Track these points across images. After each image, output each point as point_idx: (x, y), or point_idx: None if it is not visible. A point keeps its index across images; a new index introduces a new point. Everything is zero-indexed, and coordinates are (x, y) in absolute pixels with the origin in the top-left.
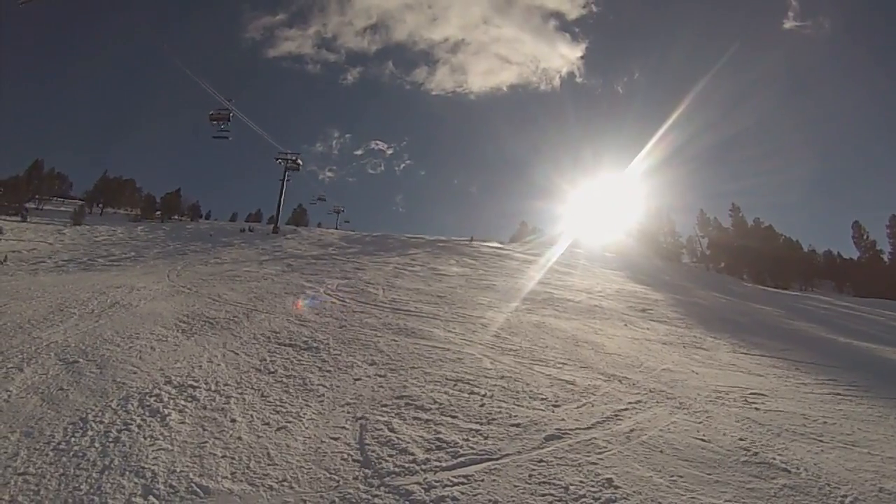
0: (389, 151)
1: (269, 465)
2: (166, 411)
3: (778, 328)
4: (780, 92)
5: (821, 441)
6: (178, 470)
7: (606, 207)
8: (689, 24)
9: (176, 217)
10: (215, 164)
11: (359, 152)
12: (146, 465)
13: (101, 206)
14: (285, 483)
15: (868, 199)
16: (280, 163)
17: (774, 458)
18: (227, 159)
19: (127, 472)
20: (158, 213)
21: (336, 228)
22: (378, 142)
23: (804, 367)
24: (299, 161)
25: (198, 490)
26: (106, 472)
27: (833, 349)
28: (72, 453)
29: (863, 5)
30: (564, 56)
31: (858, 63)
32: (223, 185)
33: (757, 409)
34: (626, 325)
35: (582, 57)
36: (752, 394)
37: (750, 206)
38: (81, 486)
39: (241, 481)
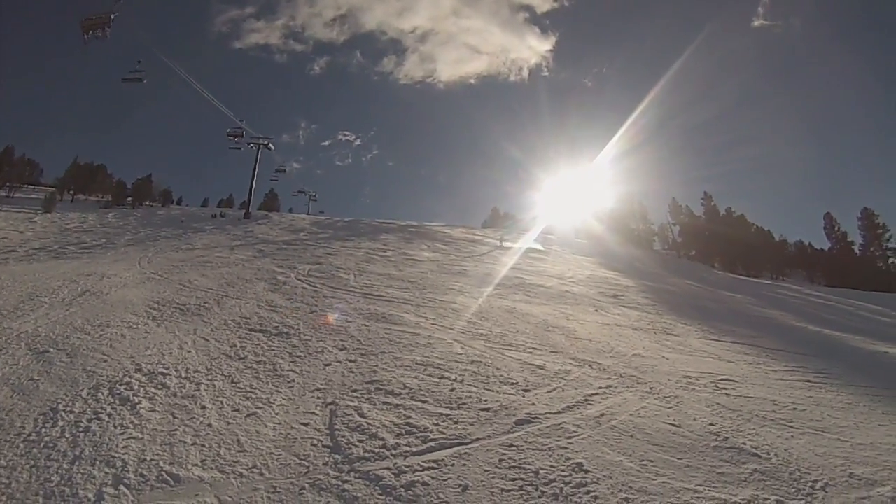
0: (357, 142)
1: (239, 451)
2: (136, 399)
3: (749, 316)
4: (750, 88)
5: (791, 427)
6: (148, 458)
7: (578, 195)
8: (658, 22)
9: (147, 203)
10: (187, 150)
11: (326, 143)
12: (116, 455)
13: (72, 192)
14: (255, 470)
15: (840, 192)
16: (253, 147)
17: (745, 444)
18: (199, 145)
19: (97, 462)
20: (130, 199)
21: (308, 214)
22: (345, 132)
23: (774, 354)
24: (271, 146)
25: (168, 479)
26: (77, 463)
27: (803, 337)
28: (42, 444)
29: (833, 7)
30: (533, 48)
31: (830, 60)
32: (195, 170)
33: (727, 394)
34: (596, 310)
35: (551, 50)
36: (722, 380)
37: (722, 196)
38: (52, 478)
39: (212, 469)
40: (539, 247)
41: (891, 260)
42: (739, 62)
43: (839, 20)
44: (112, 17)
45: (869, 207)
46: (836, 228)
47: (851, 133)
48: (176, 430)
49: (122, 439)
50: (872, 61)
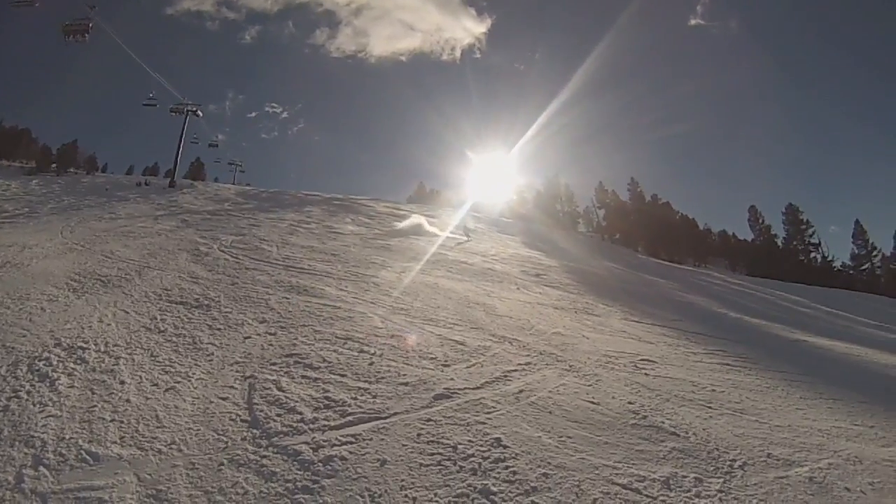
0: (284, 115)
1: (157, 427)
2: (55, 375)
3: (671, 300)
4: (684, 83)
5: (710, 407)
6: (67, 437)
7: (506, 175)
8: (593, 12)
9: (72, 170)
10: (113, 115)
11: (252, 115)
12: (36, 434)
13: None
14: (174, 446)
15: (765, 187)
16: (179, 115)
17: (664, 422)
18: (125, 110)
19: (17, 443)
20: (54, 165)
21: (233, 184)
22: (273, 105)
23: (694, 337)
24: (199, 113)
25: (87, 457)
26: None
27: (724, 322)
28: None
29: (772, 12)
30: (468, 29)
31: (761, 61)
32: (120, 136)
33: (646, 374)
34: (518, 288)
35: (486, 32)
36: (641, 360)
37: (648, 183)
38: None
39: (130, 446)
40: (467, 224)
41: (812, 254)
42: (670, 57)
43: (777, 22)
44: (90, 24)
45: (794, 203)
46: (761, 221)
47: (776, 132)
48: (95, 406)
49: (42, 418)
50: (801, 64)
